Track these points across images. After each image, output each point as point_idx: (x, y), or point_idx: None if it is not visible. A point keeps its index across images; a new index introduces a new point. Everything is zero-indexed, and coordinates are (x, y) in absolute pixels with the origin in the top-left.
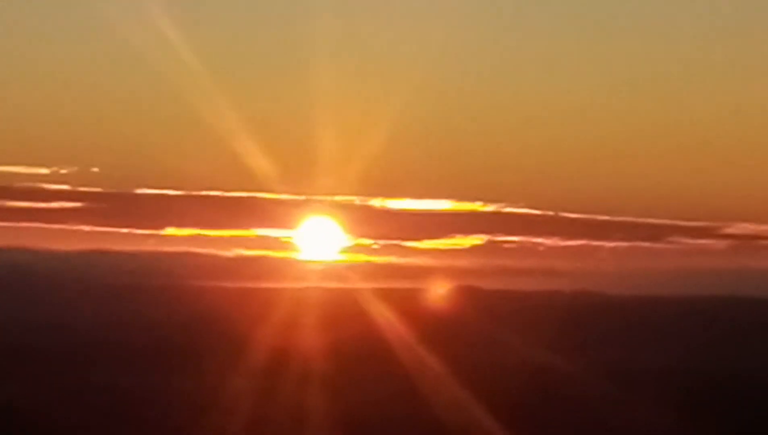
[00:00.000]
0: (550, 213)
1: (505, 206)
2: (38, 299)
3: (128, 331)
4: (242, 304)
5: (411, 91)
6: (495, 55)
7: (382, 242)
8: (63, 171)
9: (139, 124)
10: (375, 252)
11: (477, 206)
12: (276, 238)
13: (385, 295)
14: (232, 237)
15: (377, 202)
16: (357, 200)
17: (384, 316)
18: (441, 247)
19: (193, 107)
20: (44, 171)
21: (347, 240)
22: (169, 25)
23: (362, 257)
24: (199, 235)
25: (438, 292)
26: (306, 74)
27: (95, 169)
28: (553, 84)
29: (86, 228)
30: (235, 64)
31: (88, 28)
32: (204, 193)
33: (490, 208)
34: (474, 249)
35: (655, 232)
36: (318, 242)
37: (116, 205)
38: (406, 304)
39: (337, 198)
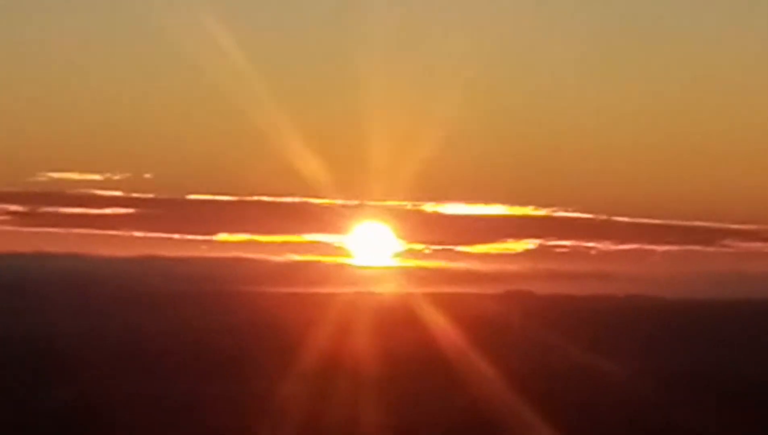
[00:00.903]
0: (603, 217)
1: (557, 210)
2: (91, 306)
3: (180, 338)
4: (295, 310)
5: (463, 95)
6: (549, 58)
7: (434, 247)
8: (116, 177)
9: (192, 131)
10: (427, 257)
11: (529, 211)
12: (328, 244)
13: (437, 299)
14: (284, 242)
15: (429, 207)
16: (409, 205)
17: (436, 321)
18: (493, 251)
19: (245, 113)
20: (97, 177)
21: (399, 245)
22: (220, 31)
23: (414, 262)
24: (252, 240)
25: (490, 296)
26: (358, 79)
27: (148, 176)
28: (607, 88)
29: (139, 234)
30: (287, 70)
31: (140, 35)
32: (256, 198)
33: (542, 212)
34: (526, 253)
35: (707, 236)
36: (370, 247)
37: (169, 211)
38: (458, 308)
39: (389, 203)
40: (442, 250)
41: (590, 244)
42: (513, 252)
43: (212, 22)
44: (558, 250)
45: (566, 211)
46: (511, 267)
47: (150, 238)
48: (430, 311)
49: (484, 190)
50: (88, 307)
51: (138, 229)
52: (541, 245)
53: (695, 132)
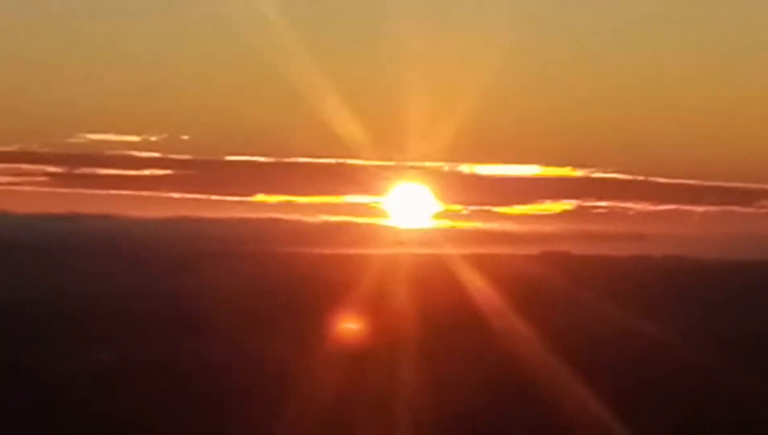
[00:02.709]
0: (641, 178)
1: (595, 171)
2: (128, 267)
3: (217, 299)
4: (333, 271)
5: (501, 56)
6: (586, 19)
7: (471, 208)
8: (153, 138)
9: (229, 92)
10: (464, 218)
11: (567, 171)
12: (365, 205)
13: (475, 260)
14: (321, 203)
15: (466, 168)
16: (446, 166)
17: (474, 281)
18: (530, 212)
19: (283, 74)
20: (134, 139)
21: (437, 206)
22: None
23: (452, 223)
24: (289, 201)
25: (528, 257)
26: (395, 40)
27: (185, 137)
28: (644, 49)
29: (176, 195)
30: (324, 30)
31: None
32: (293, 159)
33: (580, 173)
34: (564, 214)
35: (745, 197)
36: (407, 208)
37: (206, 173)
38: (496, 269)
39: (427, 164)
40: (480, 211)
41: (628, 205)
42: (550, 213)
43: None
44: (595, 210)
45: (604, 171)
46: (549, 228)
47: (187, 200)
48: (468, 272)
49: (522, 151)
50: (124, 269)
51: (175, 190)
52: (578, 206)
53: (734, 93)
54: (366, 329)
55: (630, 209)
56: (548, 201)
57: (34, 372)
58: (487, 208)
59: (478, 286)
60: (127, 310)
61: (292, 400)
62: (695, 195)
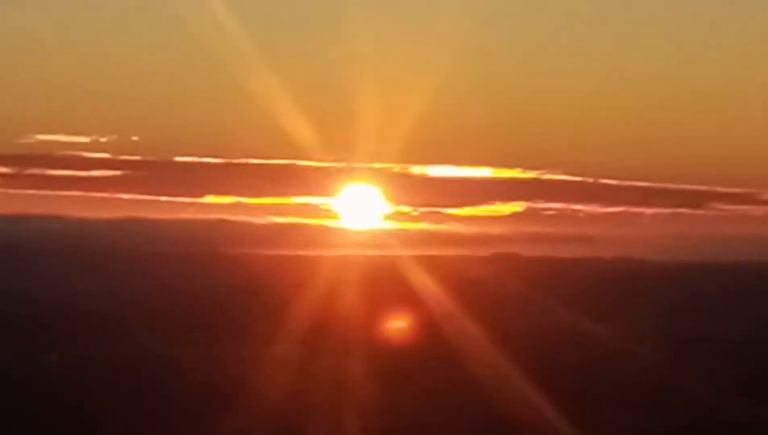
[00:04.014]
0: (590, 180)
1: (545, 173)
2: (78, 267)
3: (166, 299)
4: (283, 272)
5: (451, 58)
6: (536, 23)
7: (422, 209)
8: (103, 139)
9: (179, 93)
10: (415, 219)
11: (516, 173)
12: (316, 206)
13: (425, 262)
14: (271, 205)
15: (417, 170)
16: (396, 168)
17: (424, 283)
18: (481, 214)
19: (233, 75)
20: (84, 139)
21: (387, 207)
22: None
23: (402, 224)
24: (239, 202)
25: (478, 258)
26: (346, 41)
27: (135, 138)
28: (593, 52)
29: (126, 196)
30: (274, 31)
31: None
32: (243, 160)
33: (530, 175)
34: (514, 216)
35: (694, 199)
36: (358, 209)
37: (156, 173)
38: (446, 271)
39: (377, 165)
40: (430, 212)
41: (577, 207)
42: (500, 214)
43: None
44: (545, 212)
45: (554, 173)
46: (499, 229)
47: (137, 200)
48: (418, 274)
49: (472, 153)
50: (74, 269)
51: (125, 191)
52: (528, 208)
53: (683, 96)
54: (314, 331)
55: (580, 211)
56: (498, 203)
57: None
58: (437, 209)
59: (427, 287)
60: (76, 311)
61: (240, 400)
62: (645, 197)
